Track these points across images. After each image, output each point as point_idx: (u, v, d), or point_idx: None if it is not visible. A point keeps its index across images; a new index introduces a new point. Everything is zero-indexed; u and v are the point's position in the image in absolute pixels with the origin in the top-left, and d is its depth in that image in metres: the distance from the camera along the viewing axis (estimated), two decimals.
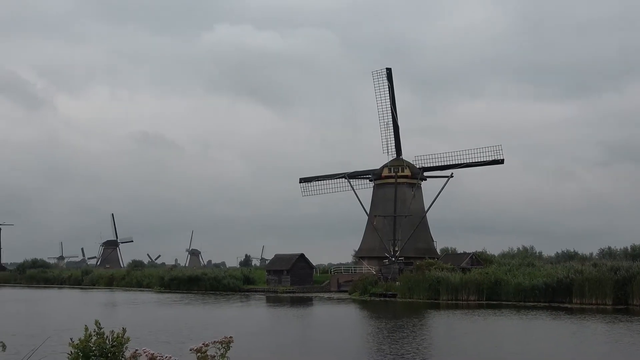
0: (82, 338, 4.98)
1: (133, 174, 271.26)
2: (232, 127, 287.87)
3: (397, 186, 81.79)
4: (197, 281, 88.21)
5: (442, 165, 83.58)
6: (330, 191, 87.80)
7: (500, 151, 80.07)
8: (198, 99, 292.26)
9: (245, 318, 47.57)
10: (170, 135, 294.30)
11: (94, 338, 4.94)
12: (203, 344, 4.89)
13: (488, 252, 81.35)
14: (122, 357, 4.90)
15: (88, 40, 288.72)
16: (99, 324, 5.00)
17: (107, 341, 4.92)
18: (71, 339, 5.06)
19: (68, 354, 4.96)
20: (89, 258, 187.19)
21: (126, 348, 4.97)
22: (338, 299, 68.25)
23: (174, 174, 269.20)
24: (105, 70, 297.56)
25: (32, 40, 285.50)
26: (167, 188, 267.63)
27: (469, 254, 76.71)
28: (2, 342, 5.40)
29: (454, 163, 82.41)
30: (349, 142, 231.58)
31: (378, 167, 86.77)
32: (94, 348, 4.94)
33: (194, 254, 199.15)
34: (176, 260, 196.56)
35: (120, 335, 4.93)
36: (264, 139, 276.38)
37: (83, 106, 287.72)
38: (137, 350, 4.65)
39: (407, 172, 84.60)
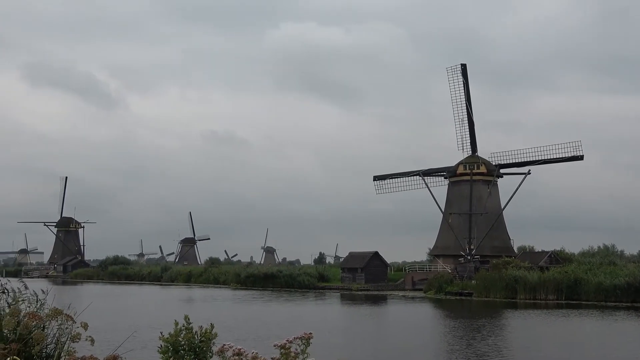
0: (172, 332, 5.17)
1: (207, 171, 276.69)
2: (301, 124, 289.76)
3: (472, 183, 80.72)
4: (272, 278, 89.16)
5: (519, 162, 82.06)
6: (405, 189, 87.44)
7: (580, 147, 78.10)
8: (266, 96, 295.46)
9: (320, 315, 47.86)
10: (241, 132, 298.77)
11: (183, 333, 5.12)
12: (287, 340, 5.01)
13: (567, 251, 79.44)
14: (210, 352, 5.07)
15: (159, 41, 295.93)
16: (189, 319, 5.18)
17: (195, 336, 5.09)
18: (161, 333, 5.25)
19: (158, 347, 5.16)
20: (167, 255, 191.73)
21: (213, 343, 5.13)
22: (413, 297, 67.90)
23: (246, 171, 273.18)
24: (176, 70, 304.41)
25: (104, 42, 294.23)
26: (240, 185, 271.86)
27: (547, 252, 75.02)
28: (90, 336, 5.63)
29: (531, 160, 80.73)
30: (421, 138, 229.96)
31: (453, 164, 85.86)
32: (183, 342, 5.12)
33: (269, 251, 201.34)
34: (251, 257, 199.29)
35: (208, 330, 5.10)
36: (334, 136, 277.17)
37: (154, 105, 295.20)
38: (224, 345, 4.82)
39: (482, 169, 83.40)
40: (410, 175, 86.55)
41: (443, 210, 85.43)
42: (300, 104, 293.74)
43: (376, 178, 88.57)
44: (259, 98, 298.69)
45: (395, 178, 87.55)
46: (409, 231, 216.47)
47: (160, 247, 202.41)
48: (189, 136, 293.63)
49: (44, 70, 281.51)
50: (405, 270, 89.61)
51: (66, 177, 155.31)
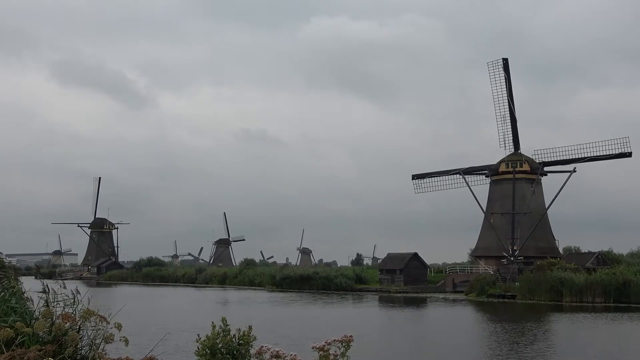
0: (209, 335, 5.14)
1: (241, 171, 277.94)
2: (336, 122, 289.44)
3: (515, 182, 79.85)
4: (308, 280, 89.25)
5: (563, 160, 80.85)
6: (445, 188, 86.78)
7: (628, 143, 76.56)
8: (300, 93, 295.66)
9: (359, 318, 47.71)
10: (274, 131, 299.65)
11: (221, 335, 5.09)
12: (325, 342, 4.95)
13: (615, 252, 78.12)
14: (248, 355, 5.03)
15: (190, 38, 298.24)
16: (226, 321, 5.14)
17: (233, 339, 5.06)
18: (198, 335, 5.23)
19: (196, 350, 5.14)
20: (201, 256, 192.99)
21: (252, 346, 5.09)
22: (454, 299, 67.41)
23: (281, 170, 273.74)
24: (207, 68, 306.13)
25: (135, 39, 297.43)
26: (275, 185, 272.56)
27: (594, 253, 73.83)
28: (124, 337, 5.64)
29: (576, 157, 79.46)
30: (461, 135, 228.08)
31: (495, 162, 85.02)
32: (220, 345, 5.09)
33: (305, 252, 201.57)
34: (287, 258, 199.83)
35: (246, 333, 5.06)
36: (370, 133, 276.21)
37: (186, 104, 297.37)
38: (262, 347, 4.77)
39: (525, 167, 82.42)
40: (451, 174, 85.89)
41: (485, 210, 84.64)
42: (334, 100, 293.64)
43: (415, 177, 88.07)
44: (292, 95, 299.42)
45: (434, 177, 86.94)
46: (449, 231, 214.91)
47: (196, 248, 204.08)
48: (222, 135, 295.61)
49: (73, 69, 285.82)
50: (445, 271, 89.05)
51: (99, 178, 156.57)
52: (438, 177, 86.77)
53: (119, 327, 5.51)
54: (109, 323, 5.49)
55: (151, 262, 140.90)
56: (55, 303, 6.57)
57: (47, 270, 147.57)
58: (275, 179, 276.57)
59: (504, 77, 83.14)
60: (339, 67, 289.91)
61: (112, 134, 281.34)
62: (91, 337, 5.82)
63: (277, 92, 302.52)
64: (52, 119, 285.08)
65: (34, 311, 6.74)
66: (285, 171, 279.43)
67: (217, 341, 5.05)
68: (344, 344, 4.92)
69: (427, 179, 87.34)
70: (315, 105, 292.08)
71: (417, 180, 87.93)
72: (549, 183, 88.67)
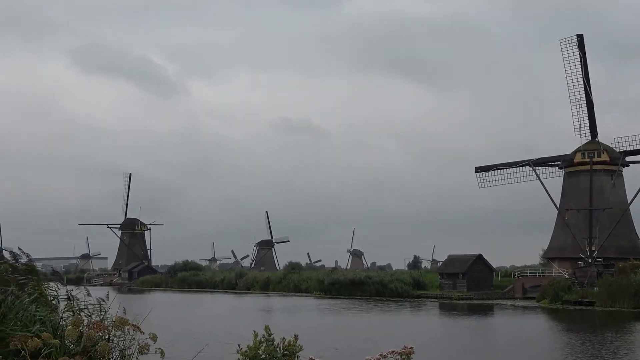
0: (251, 345, 5.20)
1: (282, 165, 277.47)
2: (384, 109, 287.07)
3: (593, 174, 78.62)
4: (360, 285, 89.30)
5: None
6: (512, 181, 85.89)
7: None
8: (344, 78, 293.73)
9: (417, 327, 47.58)
10: (317, 120, 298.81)
11: (264, 345, 5.14)
12: (381, 354, 4.96)
13: None
14: None
15: (221, 20, 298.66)
16: (269, 329, 5.19)
17: (277, 349, 5.10)
18: (239, 346, 5.29)
19: None
20: (242, 259, 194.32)
21: (298, 357, 5.13)
22: (524, 306, 66.86)
23: (326, 164, 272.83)
24: (241, 51, 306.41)
25: (161, 23, 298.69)
26: (320, 180, 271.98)
27: None
28: (160, 348, 5.73)
29: None
30: (528, 123, 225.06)
31: (569, 152, 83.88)
32: (263, 356, 5.14)
33: (356, 254, 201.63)
34: (336, 262, 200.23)
35: (292, 342, 5.10)
36: (424, 122, 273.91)
37: (219, 91, 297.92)
38: (311, 358, 4.80)
39: (604, 157, 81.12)
40: (519, 166, 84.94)
41: (558, 205, 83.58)
42: (382, 86, 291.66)
43: (478, 169, 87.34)
44: (336, 80, 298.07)
45: (500, 169, 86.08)
46: (518, 231, 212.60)
47: (233, 251, 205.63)
48: (259, 125, 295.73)
49: (95, 55, 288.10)
50: (514, 275, 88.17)
51: (130, 174, 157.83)
52: (504, 170, 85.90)
53: (154, 337, 5.60)
54: (143, 333, 5.59)
55: (187, 266, 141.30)
56: (81, 311, 6.70)
57: (75, 275, 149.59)
58: (321, 174, 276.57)
59: (578, 56, 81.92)
60: (387, 48, 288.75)
61: (139, 125, 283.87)
62: (123, 348, 5.92)
63: (318, 77, 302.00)
64: (74, 110, 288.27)
65: (59, 320, 6.88)
66: (331, 165, 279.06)
67: (260, 351, 5.11)
68: (403, 357, 4.91)
69: (492, 171, 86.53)
70: (362, 91, 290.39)
71: (480, 173, 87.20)
72: (632, 175, 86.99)
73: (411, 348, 5.08)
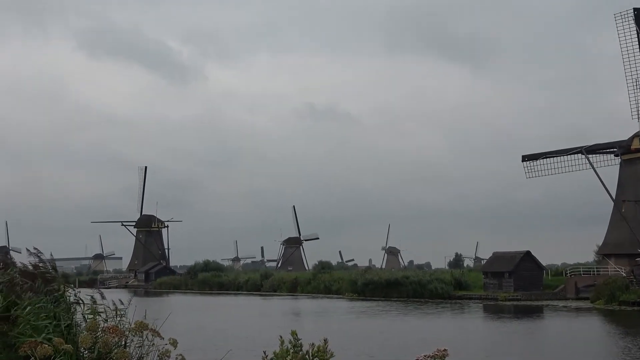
0: (278, 351, 5.27)
1: (309, 155, 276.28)
2: (420, 93, 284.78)
3: None
4: (396, 286, 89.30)
5: None
6: (563, 171, 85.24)
7: None
8: (376, 59, 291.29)
9: (459, 332, 47.57)
10: (345, 105, 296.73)
11: (291, 352, 5.20)
12: (416, 359, 5.01)
13: None
14: None
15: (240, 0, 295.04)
16: (297, 335, 5.25)
17: (306, 356, 5.16)
18: (264, 352, 5.37)
19: None
20: (267, 258, 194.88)
21: None
22: (577, 308, 66.68)
23: (356, 154, 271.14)
24: (263, 32, 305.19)
25: (175, 1, 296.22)
26: (352, 171, 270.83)
27: None
28: (181, 355, 5.83)
29: None
30: (580, 106, 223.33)
31: (626, 138, 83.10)
32: None
33: (392, 252, 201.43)
34: (370, 260, 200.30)
35: (321, 348, 5.16)
36: (464, 106, 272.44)
37: (239, 76, 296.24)
38: None
39: None
40: (570, 154, 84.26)
41: (614, 197, 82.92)
42: (417, 66, 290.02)
43: (526, 158, 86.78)
44: (367, 61, 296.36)
45: (550, 157, 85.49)
46: (569, 225, 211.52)
47: (261, 249, 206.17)
48: (284, 112, 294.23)
49: (105, 39, 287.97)
50: (566, 274, 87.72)
51: (145, 167, 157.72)
52: (555, 158, 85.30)
53: (174, 343, 5.69)
54: (162, 338, 5.68)
55: (208, 267, 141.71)
56: (98, 314, 6.82)
57: (88, 277, 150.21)
58: (352, 165, 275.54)
59: (635, 32, 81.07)
60: (422, 25, 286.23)
61: (153, 113, 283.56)
62: (140, 355, 6.03)
63: (348, 59, 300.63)
64: (83, 98, 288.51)
65: (71, 323, 6.99)
66: (361, 154, 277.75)
67: (287, 359, 5.17)
68: None
69: (541, 160, 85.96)
70: (395, 72, 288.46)
71: (528, 162, 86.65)
72: None
73: (445, 350, 5.12)
